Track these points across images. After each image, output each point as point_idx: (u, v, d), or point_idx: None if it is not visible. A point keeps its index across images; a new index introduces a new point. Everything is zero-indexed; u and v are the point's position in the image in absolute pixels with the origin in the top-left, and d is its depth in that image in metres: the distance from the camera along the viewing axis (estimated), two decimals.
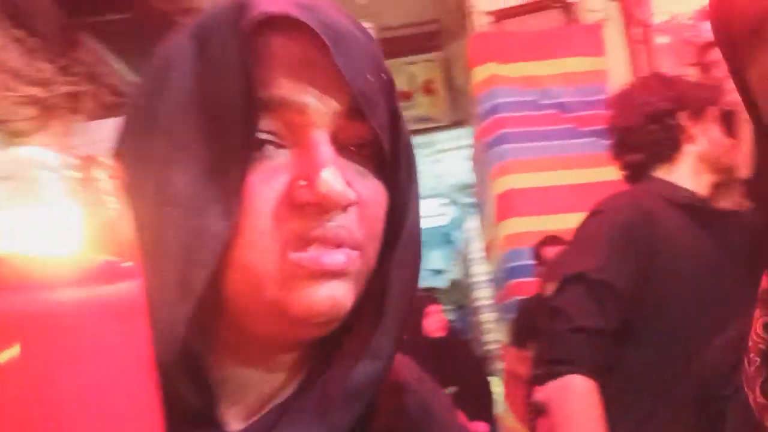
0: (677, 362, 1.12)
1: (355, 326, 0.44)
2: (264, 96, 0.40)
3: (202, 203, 0.39)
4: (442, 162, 6.07)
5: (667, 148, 1.30)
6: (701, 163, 1.30)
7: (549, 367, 1.14)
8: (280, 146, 0.41)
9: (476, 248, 5.82)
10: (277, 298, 0.40)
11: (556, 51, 3.44)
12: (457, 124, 5.26)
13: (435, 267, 7.40)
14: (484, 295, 5.92)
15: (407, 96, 5.29)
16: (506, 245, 3.30)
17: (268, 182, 0.40)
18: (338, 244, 0.40)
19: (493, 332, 5.02)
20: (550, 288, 1.95)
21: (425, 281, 8.11)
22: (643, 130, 1.31)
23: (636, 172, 1.35)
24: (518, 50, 3.48)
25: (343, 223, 0.40)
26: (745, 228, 1.33)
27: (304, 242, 0.40)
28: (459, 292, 7.29)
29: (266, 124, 0.40)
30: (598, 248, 1.18)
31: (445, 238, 7.22)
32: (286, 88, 0.40)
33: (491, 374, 4.33)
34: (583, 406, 1.08)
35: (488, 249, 4.09)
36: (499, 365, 4.11)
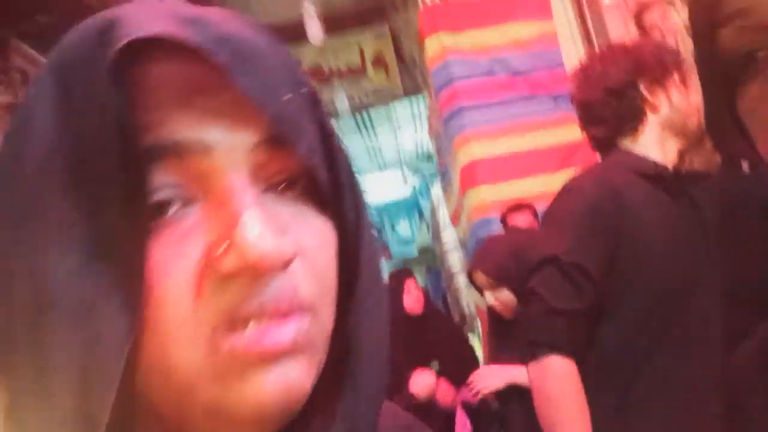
0: (653, 335, 1.16)
1: (319, 396, 0.35)
2: (151, 143, 0.31)
3: (91, 300, 0.29)
4: (400, 131, 6.07)
5: (630, 120, 1.29)
6: (666, 130, 1.29)
7: (528, 349, 1.17)
8: (186, 201, 0.32)
9: (443, 215, 5.87)
10: (215, 398, 0.31)
11: (504, 17, 3.45)
12: (411, 93, 5.26)
13: (404, 236, 7.46)
14: (455, 260, 6.00)
15: (360, 71, 5.25)
16: (474, 215, 3.35)
17: (177, 254, 0.31)
18: (283, 314, 0.32)
19: (468, 295, 5.13)
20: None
21: (395, 250, 8.19)
22: (604, 103, 1.30)
23: (602, 144, 1.36)
24: (467, 19, 3.47)
25: (285, 286, 0.32)
26: (717, 189, 1.35)
27: (237, 322, 0.31)
28: (430, 258, 7.37)
29: (162, 178, 0.31)
30: (567, 229, 1.19)
31: (412, 207, 7.27)
32: (181, 128, 0.31)
33: (470, 334, 4.42)
34: (564, 386, 1.11)
35: (455, 217, 4.15)
36: (478, 326, 4.21)
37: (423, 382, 2.46)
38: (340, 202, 0.36)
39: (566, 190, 1.28)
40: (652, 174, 1.25)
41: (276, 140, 0.33)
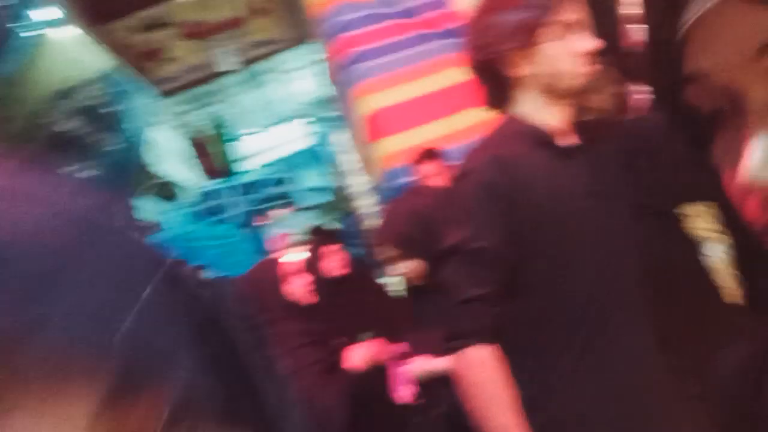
0: (569, 304, 1.13)
1: None
2: None
3: None
4: (294, 82, 5.85)
5: (501, 93, 1.22)
6: (544, 95, 1.19)
7: (448, 343, 1.15)
8: None
9: (350, 160, 5.79)
10: None
11: None
12: (302, 41, 5.03)
13: (315, 185, 7.34)
14: (367, 203, 5.98)
15: (237, 23, 4.93)
16: (384, 165, 3.30)
17: None
18: None
19: None
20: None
21: (308, 201, 8.07)
22: (477, 75, 1.25)
23: (493, 108, 1.30)
24: None
25: None
26: (620, 135, 1.32)
27: None
28: (343, 202, 7.33)
29: None
30: (467, 216, 1.15)
31: (319, 155, 7.12)
32: None
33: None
34: (486, 375, 1.10)
35: (364, 165, 4.09)
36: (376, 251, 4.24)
37: (359, 354, 2.44)
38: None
39: (461, 175, 1.21)
40: (540, 140, 1.19)
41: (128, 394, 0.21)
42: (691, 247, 1.84)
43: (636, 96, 2.33)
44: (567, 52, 1.17)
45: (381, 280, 3.84)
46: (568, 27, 1.17)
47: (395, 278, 3.72)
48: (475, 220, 1.14)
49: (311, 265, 2.73)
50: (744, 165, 0.30)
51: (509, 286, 1.13)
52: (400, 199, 2.12)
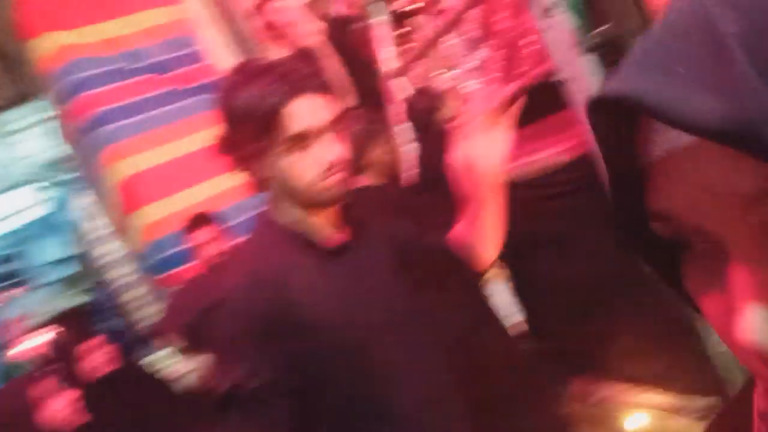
0: (372, 412, 1.05)
1: None
2: None
3: None
4: (19, 144, 5.08)
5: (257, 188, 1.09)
6: (291, 201, 1.07)
7: None
8: None
9: (98, 225, 5.18)
10: None
11: (130, 6, 3.02)
12: (24, 98, 4.39)
13: (56, 257, 6.41)
14: (123, 272, 5.39)
15: None
16: (146, 237, 2.96)
17: None
18: None
19: (144, 308, 4.64)
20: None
21: (47, 276, 7.01)
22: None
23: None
24: (84, 11, 2.94)
25: None
26: (388, 237, 1.22)
27: None
28: (91, 273, 6.53)
29: None
30: (235, 355, 1.01)
31: (55, 223, 6.25)
32: None
33: (149, 353, 3.92)
34: None
35: (120, 233, 3.66)
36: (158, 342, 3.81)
37: None
38: None
39: (221, 303, 1.04)
40: (304, 244, 1.06)
41: None
42: (480, 295, 1.92)
43: (405, 151, 2.42)
44: (300, 168, 1.02)
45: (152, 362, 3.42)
46: (303, 138, 1.02)
47: (171, 360, 3.33)
48: (245, 358, 0.98)
49: (68, 374, 2.29)
50: (744, 329, 0.27)
51: (303, 415, 1.00)
52: (192, 282, 1.90)
